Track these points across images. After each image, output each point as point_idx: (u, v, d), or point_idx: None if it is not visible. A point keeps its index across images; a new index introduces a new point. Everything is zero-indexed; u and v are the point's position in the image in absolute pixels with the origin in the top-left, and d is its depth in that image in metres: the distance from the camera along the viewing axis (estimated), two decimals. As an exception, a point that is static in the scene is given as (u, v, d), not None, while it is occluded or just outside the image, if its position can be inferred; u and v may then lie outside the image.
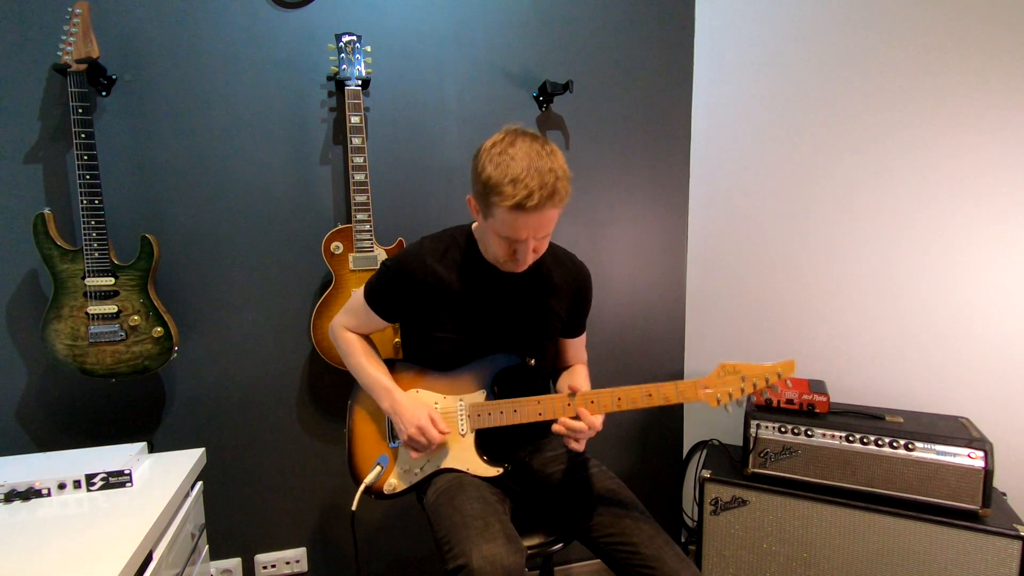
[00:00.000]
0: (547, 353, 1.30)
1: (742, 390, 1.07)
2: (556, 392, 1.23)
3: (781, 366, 1.06)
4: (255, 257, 1.59)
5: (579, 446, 1.13)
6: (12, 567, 0.89)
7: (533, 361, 1.19)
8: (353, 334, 1.27)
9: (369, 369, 1.21)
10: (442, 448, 1.19)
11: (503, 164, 0.99)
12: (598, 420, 1.11)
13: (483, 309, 1.20)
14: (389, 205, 1.66)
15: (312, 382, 1.66)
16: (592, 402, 1.11)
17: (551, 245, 1.28)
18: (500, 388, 1.21)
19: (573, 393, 1.12)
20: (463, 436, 1.19)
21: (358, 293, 1.26)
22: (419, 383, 1.22)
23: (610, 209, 1.86)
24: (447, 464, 1.19)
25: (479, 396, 1.19)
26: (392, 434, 1.23)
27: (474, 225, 1.24)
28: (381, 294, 1.22)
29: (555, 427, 1.12)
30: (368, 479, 1.19)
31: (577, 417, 1.11)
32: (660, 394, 1.09)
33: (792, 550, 1.51)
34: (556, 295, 1.26)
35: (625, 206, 1.88)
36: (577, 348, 1.37)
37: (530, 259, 1.10)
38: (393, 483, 1.21)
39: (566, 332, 1.33)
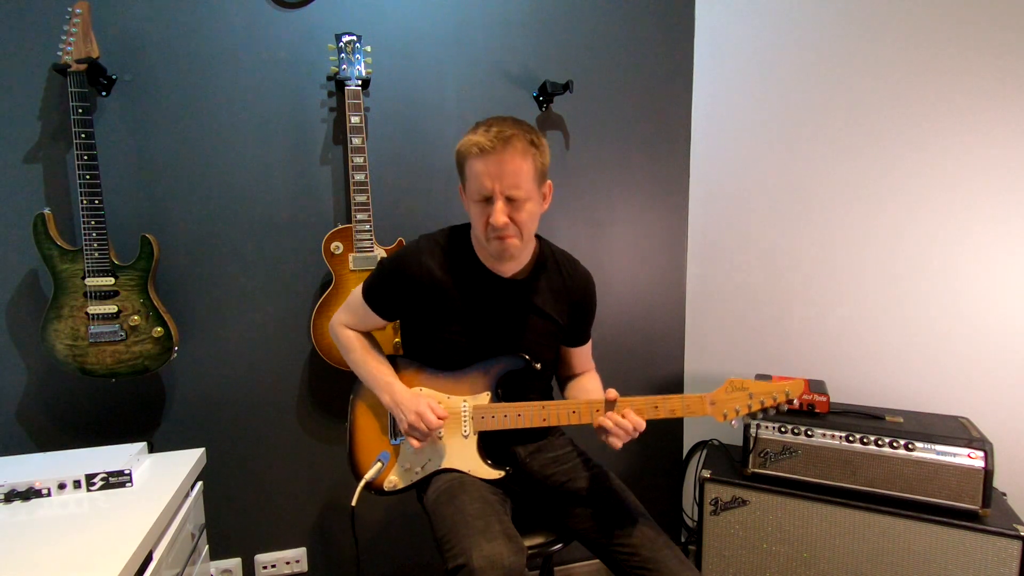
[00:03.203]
0: (546, 357, 1.28)
1: (749, 407, 1.08)
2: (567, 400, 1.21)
3: (789, 385, 1.07)
4: (255, 257, 1.59)
5: (618, 443, 1.08)
6: (12, 567, 0.89)
7: (539, 365, 1.18)
8: (353, 331, 1.27)
9: (370, 364, 1.21)
10: (444, 447, 1.19)
11: (472, 130, 1.10)
12: (642, 422, 1.08)
13: (476, 311, 1.19)
14: (389, 205, 1.66)
15: (312, 382, 1.66)
16: (597, 411, 1.11)
17: (553, 249, 1.27)
18: (504, 391, 1.20)
19: (613, 400, 1.10)
20: (466, 437, 1.19)
21: (357, 291, 1.26)
22: (422, 382, 1.21)
23: (610, 209, 1.86)
24: (449, 464, 1.19)
25: (483, 398, 1.19)
26: (394, 431, 1.23)
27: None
28: (379, 292, 1.22)
29: (600, 420, 1.08)
30: (368, 475, 1.19)
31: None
32: (666, 407, 1.10)
33: (792, 550, 1.51)
34: (552, 300, 1.23)
35: (625, 206, 1.88)
36: (583, 357, 1.34)
37: (507, 227, 1.06)
38: (393, 480, 1.21)
39: (568, 340, 1.30)
